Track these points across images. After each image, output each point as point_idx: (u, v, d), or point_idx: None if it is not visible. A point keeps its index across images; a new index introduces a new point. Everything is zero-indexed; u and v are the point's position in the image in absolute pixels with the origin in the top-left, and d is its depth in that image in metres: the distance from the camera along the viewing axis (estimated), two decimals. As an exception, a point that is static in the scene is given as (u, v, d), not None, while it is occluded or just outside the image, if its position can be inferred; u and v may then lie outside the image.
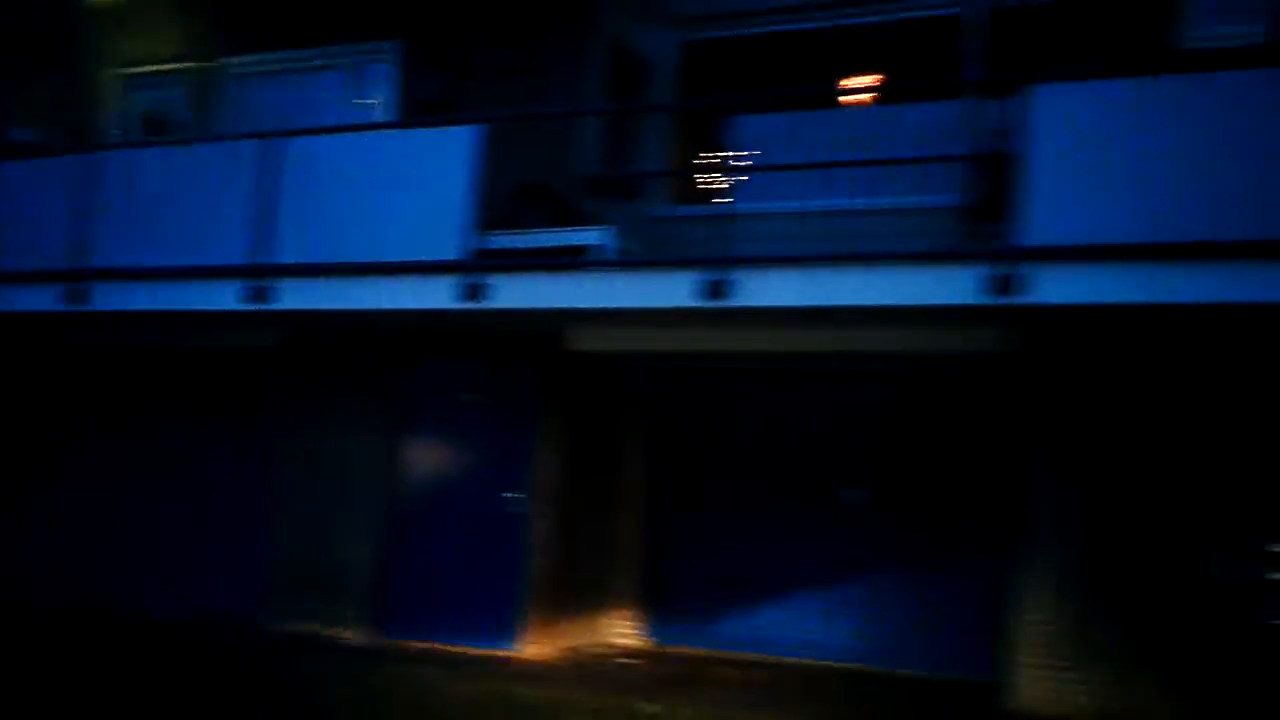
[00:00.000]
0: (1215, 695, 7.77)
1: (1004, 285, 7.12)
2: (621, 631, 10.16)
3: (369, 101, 10.50)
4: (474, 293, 8.42)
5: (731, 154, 10.02)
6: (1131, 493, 8.01)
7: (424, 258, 8.56)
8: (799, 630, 9.66)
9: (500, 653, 9.32)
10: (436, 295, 8.55)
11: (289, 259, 8.89)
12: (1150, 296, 6.67)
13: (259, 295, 9.00)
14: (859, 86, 10.24)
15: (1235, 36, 8.08)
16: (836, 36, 10.16)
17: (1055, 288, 6.97)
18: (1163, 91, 6.88)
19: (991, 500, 8.96)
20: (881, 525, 9.46)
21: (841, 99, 10.17)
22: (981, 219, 7.86)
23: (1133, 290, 6.71)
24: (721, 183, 10.18)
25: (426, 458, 10.03)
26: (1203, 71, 7.10)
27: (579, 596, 9.96)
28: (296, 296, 8.97)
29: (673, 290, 8.07)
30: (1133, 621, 7.98)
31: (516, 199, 9.36)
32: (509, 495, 9.61)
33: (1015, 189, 7.13)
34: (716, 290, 7.89)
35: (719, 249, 8.15)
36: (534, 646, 9.39)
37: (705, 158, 10.60)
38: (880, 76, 10.19)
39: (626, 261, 8.54)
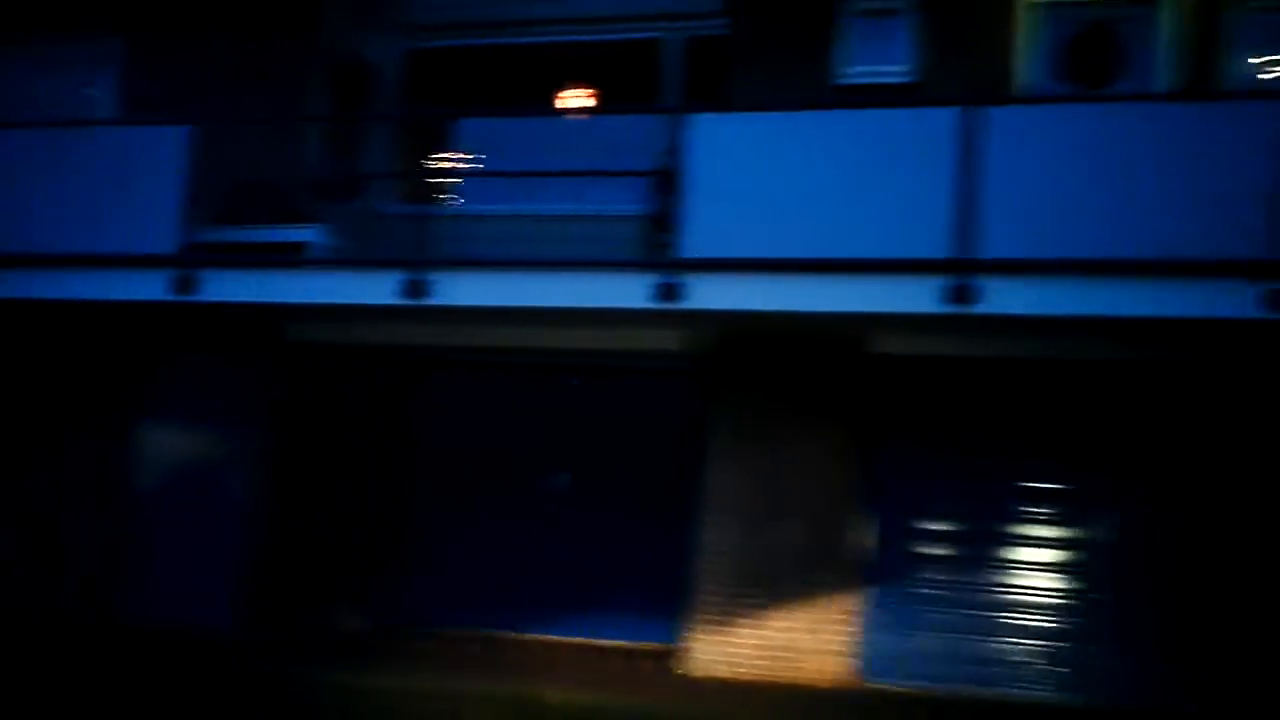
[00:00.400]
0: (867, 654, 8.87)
1: (668, 292, 7.96)
2: (345, 612, 10.62)
3: (96, 94, 10.64)
4: (185, 286, 8.77)
5: (453, 157, 10.60)
6: (777, 476, 9.06)
7: (139, 250, 8.88)
8: (510, 608, 10.32)
9: (221, 632, 9.70)
10: (149, 288, 8.87)
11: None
12: (773, 305, 7.62)
13: (-29, 283, 9.14)
14: (572, 99, 10.93)
15: (886, 74, 9.13)
16: (553, 52, 10.85)
17: (707, 295, 7.87)
18: (797, 125, 7.85)
19: (678, 482, 9.80)
20: (583, 507, 10.19)
21: (557, 110, 10.85)
22: (661, 229, 8.65)
23: (763, 299, 7.67)
24: (443, 184, 10.73)
25: (160, 446, 10.30)
26: (847, 108, 8.12)
27: (306, 579, 10.38)
28: (9, 286, 9.13)
29: (377, 288, 8.64)
30: (782, 595, 9.00)
31: (241, 195, 9.70)
32: (235, 482, 10.00)
33: (679, 205, 7.98)
34: (416, 290, 8.50)
35: (433, 249, 8.74)
36: (256, 627, 9.80)
37: (429, 159, 11.12)
38: (593, 91, 10.92)
39: (335, 260, 9.04)
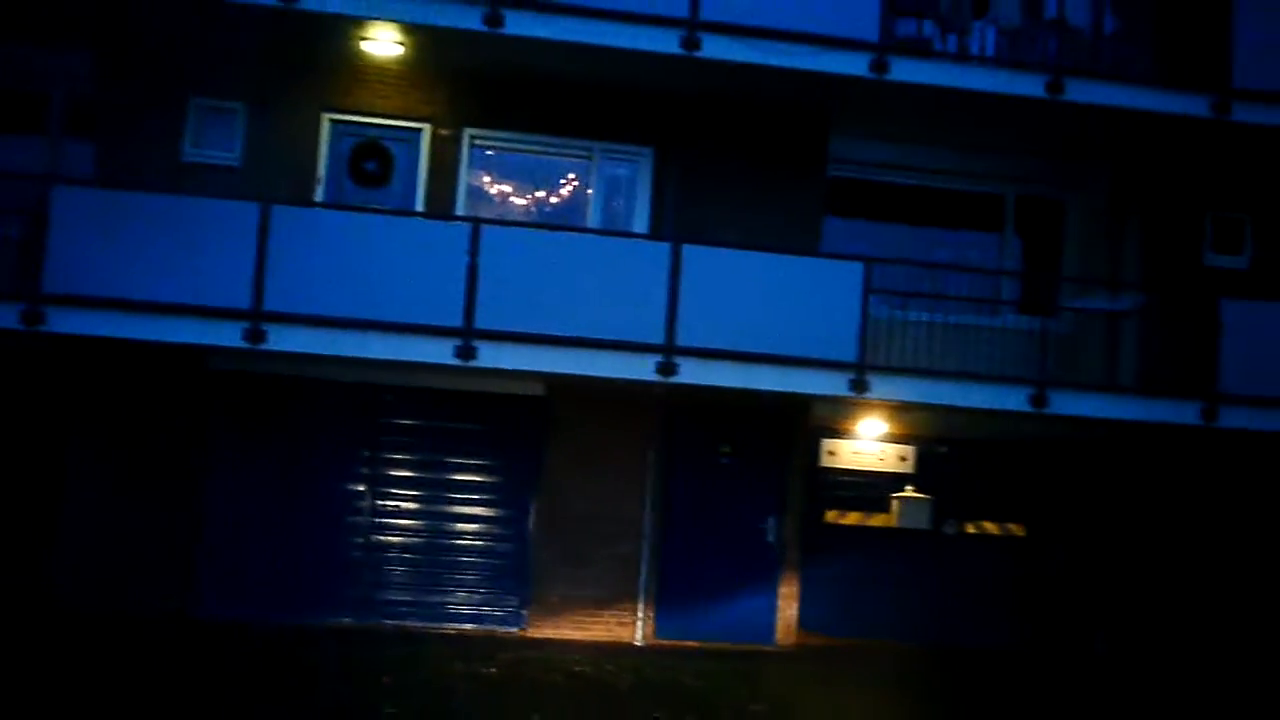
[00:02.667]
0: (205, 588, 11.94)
1: (33, 318, 10.43)
2: None
3: None
4: None
5: None
6: (134, 464, 12.04)
7: None
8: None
9: None
10: None
11: None
12: (123, 333, 10.62)
13: None
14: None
15: (220, 158, 12.11)
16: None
17: (66, 323, 10.52)
18: (131, 201, 10.77)
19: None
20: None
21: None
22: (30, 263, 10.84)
23: (115, 328, 10.59)
24: None
25: None
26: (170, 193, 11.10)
27: None
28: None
29: None
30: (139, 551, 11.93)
31: None
32: None
33: (43, 246, 10.52)
34: None
35: None
36: None
37: None
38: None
39: None
